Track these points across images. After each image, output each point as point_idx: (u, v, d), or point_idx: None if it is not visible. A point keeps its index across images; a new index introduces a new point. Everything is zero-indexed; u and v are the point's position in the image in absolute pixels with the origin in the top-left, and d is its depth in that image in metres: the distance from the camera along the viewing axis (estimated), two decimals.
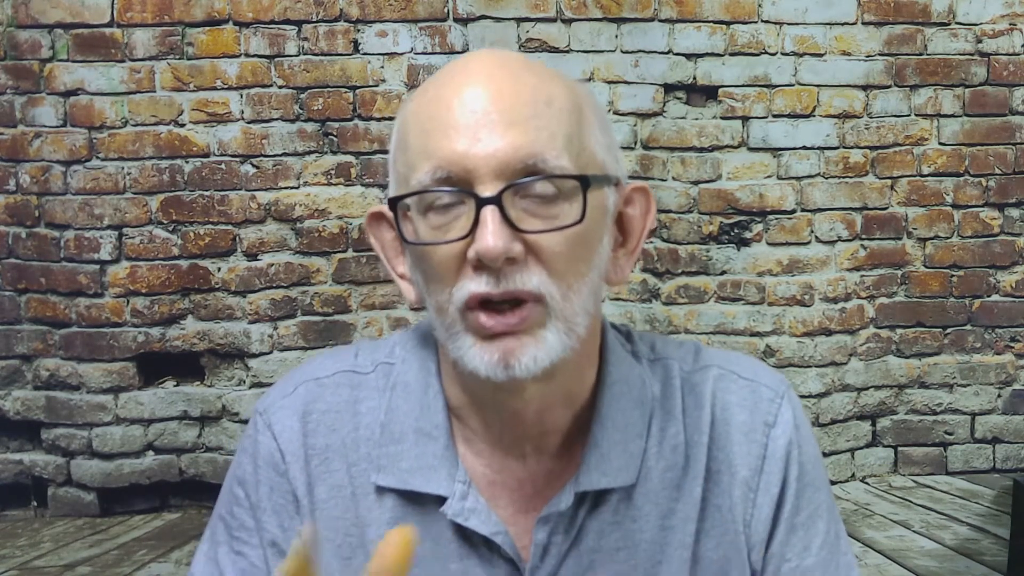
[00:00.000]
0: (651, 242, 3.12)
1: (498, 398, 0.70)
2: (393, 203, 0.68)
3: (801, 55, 3.09)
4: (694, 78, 3.08)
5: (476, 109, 0.64)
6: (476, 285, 0.63)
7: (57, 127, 2.96)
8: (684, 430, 0.74)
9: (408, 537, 0.50)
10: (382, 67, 3.02)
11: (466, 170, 0.63)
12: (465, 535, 0.71)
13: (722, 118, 3.09)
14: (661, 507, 0.73)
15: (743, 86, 3.08)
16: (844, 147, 3.13)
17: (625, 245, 0.74)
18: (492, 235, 0.61)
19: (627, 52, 3.06)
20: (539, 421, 0.71)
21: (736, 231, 3.09)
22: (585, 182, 0.64)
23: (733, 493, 0.74)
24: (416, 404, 0.74)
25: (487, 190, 0.62)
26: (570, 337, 0.66)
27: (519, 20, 3.02)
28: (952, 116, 3.19)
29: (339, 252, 3.03)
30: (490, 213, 0.62)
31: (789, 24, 3.08)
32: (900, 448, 3.26)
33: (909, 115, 3.18)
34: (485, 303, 0.64)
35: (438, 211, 0.65)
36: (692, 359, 0.78)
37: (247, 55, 2.97)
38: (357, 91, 3.02)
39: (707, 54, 3.07)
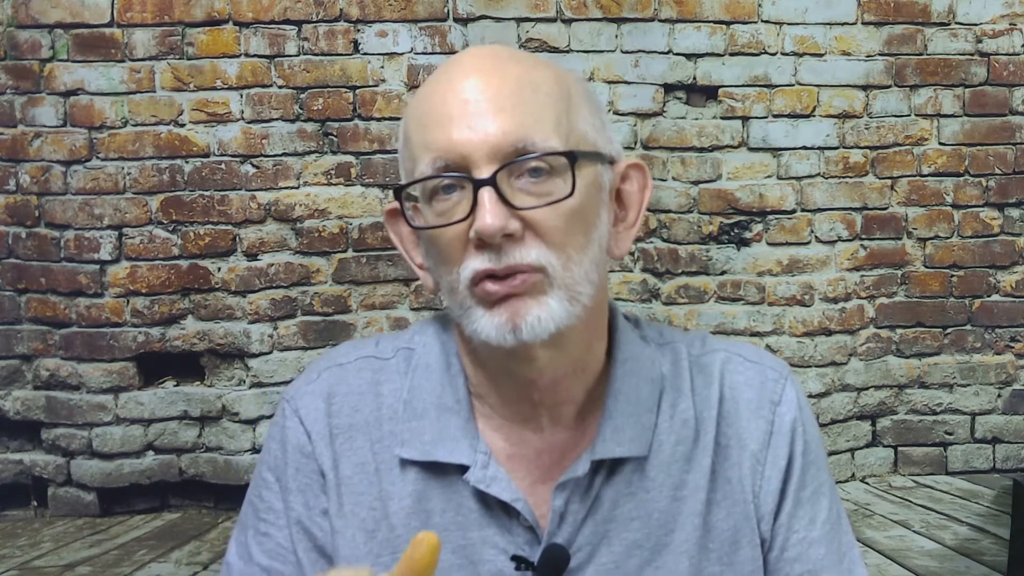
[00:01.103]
0: (651, 242, 3.12)
1: (512, 368, 0.73)
2: (398, 194, 0.73)
3: (801, 55, 3.09)
4: (694, 78, 3.08)
5: (467, 99, 0.69)
6: (480, 263, 0.68)
7: (57, 127, 2.96)
8: (694, 406, 0.78)
9: (434, 541, 0.52)
10: (382, 67, 3.02)
11: (462, 156, 0.68)
12: (486, 504, 0.74)
13: (722, 118, 3.09)
14: (673, 479, 0.76)
15: (743, 86, 3.08)
16: (844, 147, 3.14)
17: (625, 220, 0.78)
18: (489, 214, 0.66)
19: (627, 52, 3.06)
20: (553, 391, 0.75)
21: (736, 231, 3.09)
22: (572, 157, 0.68)
23: (742, 466, 0.78)
24: (437, 382, 0.78)
25: (482, 173, 0.67)
26: (574, 305, 0.70)
27: (519, 20, 3.02)
28: (952, 116, 3.19)
29: (339, 252, 3.03)
30: (487, 194, 0.66)
31: (789, 24, 3.08)
32: (900, 448, 3.26)
33: (909, 115, 3.18)
34: (490, 276, 0.69)
35: (441, 198, 0.70)
36: (700, 344, 0.83)
37: (247, 55, 2.97)
38: (357, 91, 3.02)
39: (707, 54, 3.07)
